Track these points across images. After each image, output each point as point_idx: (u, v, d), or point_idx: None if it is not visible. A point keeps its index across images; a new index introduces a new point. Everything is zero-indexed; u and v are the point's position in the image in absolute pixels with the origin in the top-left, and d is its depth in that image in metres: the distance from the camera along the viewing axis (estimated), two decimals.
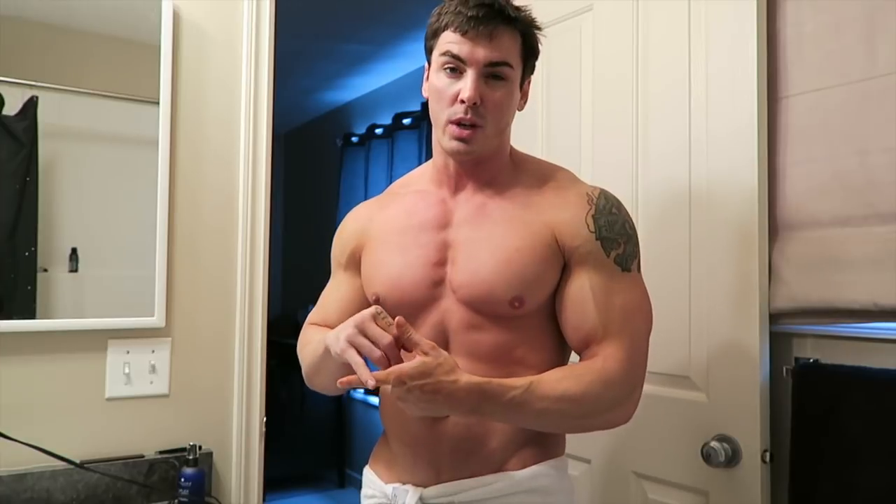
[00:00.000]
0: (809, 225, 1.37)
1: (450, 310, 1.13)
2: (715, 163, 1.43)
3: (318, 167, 5.30)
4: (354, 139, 4.58)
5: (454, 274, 1.13)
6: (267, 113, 1.75)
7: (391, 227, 1.20)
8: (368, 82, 4.48)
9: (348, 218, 1.31)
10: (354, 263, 1.25)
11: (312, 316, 1.30)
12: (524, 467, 1.13)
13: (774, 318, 1.38)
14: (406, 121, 3.99)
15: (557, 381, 1.04)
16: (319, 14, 3.31)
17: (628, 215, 1.15)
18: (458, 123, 1.09)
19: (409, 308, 1.15)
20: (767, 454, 1.33)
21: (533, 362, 1.12)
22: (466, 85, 1.07)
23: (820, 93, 1.36)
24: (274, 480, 3.23)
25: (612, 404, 1.07)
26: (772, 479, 1.34)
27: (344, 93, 4.77)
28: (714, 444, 1.37)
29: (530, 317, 1.12)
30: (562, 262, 1.11)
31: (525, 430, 1.13)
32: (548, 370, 1.13)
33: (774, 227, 1.41)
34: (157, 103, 1.60)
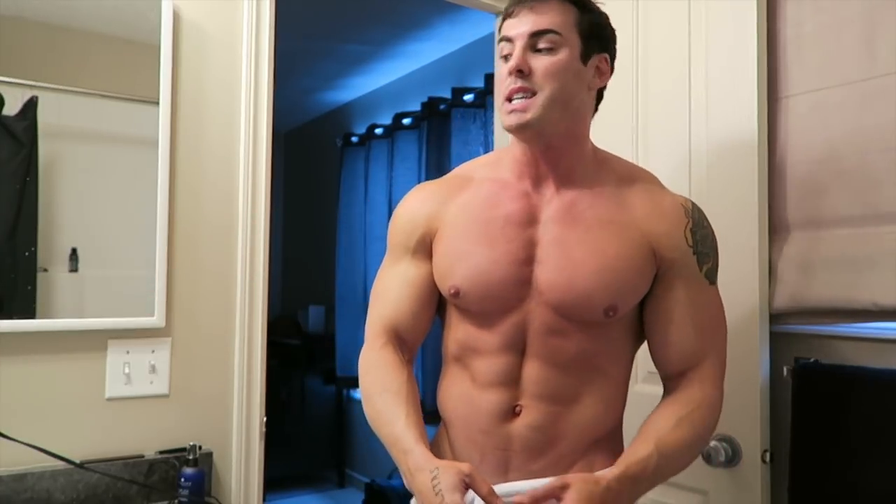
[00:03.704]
0: (809, 225, 1.37)
1: (533, 312, 1.09)
2: (715, 163, 1.43)
3: (318, 167, 5.29)
4: (354, 139, 4.57)
5: (542, 275, 1.09)
6: (267, 113, 1.74)
7: (470, 215, 1.14)
8: (368, 82, 4.48)
9: (413, 200, 1.21)
10: (425, 249, 1.16)
11: (379, 312, 1.18)
12: (591, 472, 1.08)
13: (774, 318, 1.39)
14: (406, 121, 3.98)
15: (673, 430, 1.05)
16: (319, 14, 3.31)
17: (712, 228, 1.15)
18: (511, 98, 1.08)
19: (491, 305, 1.11)
20: (767, 454, 1.33)
21: (611, 372, 1.12)
22: (513, 55, 1.07)
23: (820, 93, 1.36)
24: (274, 480, 3.23)
25: (715, 424, 1.11)
26: (772, 479, 1.35)
27: (344, 93, 4.76)
28: (714, 443, 1.37)
29: (614, 325, 1.11)
30: (654, 272, 1.11)
31: (592, 432, 1.11)
32: (622, 382, 1.14)
33: (774, 227, 1.41)
34: (157, 103, 1.59)
